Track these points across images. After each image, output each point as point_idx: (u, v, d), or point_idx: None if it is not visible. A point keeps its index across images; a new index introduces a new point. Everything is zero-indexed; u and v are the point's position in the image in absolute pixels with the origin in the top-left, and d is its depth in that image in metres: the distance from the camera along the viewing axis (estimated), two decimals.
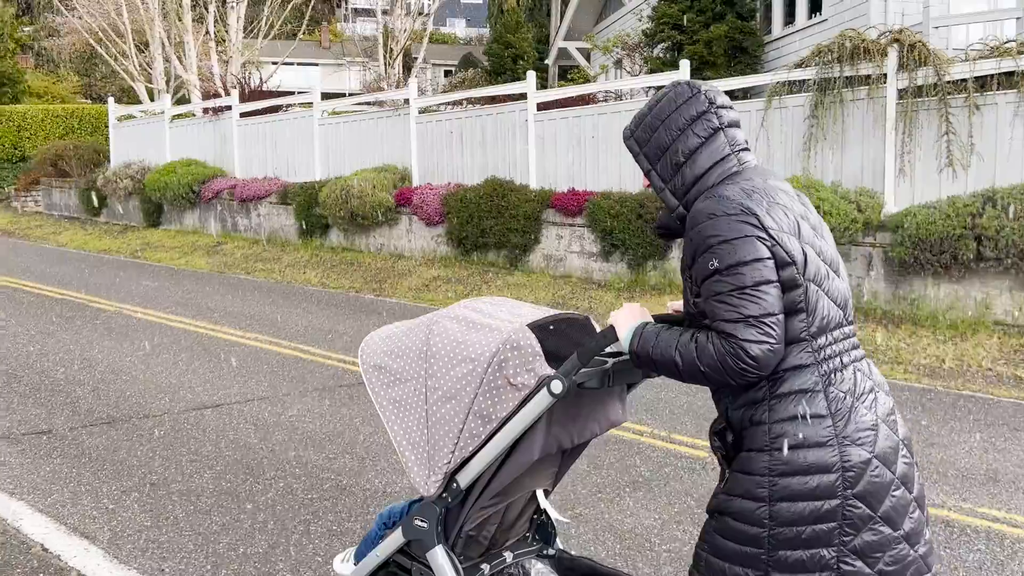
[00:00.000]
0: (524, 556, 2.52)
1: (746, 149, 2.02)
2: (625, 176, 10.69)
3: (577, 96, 11.98)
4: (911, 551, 1.92)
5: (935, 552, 2.03)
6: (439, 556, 2.27)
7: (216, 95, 18.17)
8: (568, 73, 20.69)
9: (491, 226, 11.47)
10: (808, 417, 1.86)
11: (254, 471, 4.67)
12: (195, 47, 19.09)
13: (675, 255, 9.91)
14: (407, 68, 27.17)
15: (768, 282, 1.82)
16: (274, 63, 22.62)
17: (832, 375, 1.90)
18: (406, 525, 2.36)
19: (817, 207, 8.51)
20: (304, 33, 34.17)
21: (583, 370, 2.08)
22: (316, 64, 39.17)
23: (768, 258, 1.83)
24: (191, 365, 6.98)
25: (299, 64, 36.15)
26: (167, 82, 19.90)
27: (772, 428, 1.89)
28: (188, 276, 12.44)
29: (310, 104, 14.99)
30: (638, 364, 2.00)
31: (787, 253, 1.85)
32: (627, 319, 2.01)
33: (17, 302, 9.86)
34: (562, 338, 2.28)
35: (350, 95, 19.00)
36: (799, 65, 9.53)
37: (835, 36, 9.36)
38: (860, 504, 1.86)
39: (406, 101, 13.49)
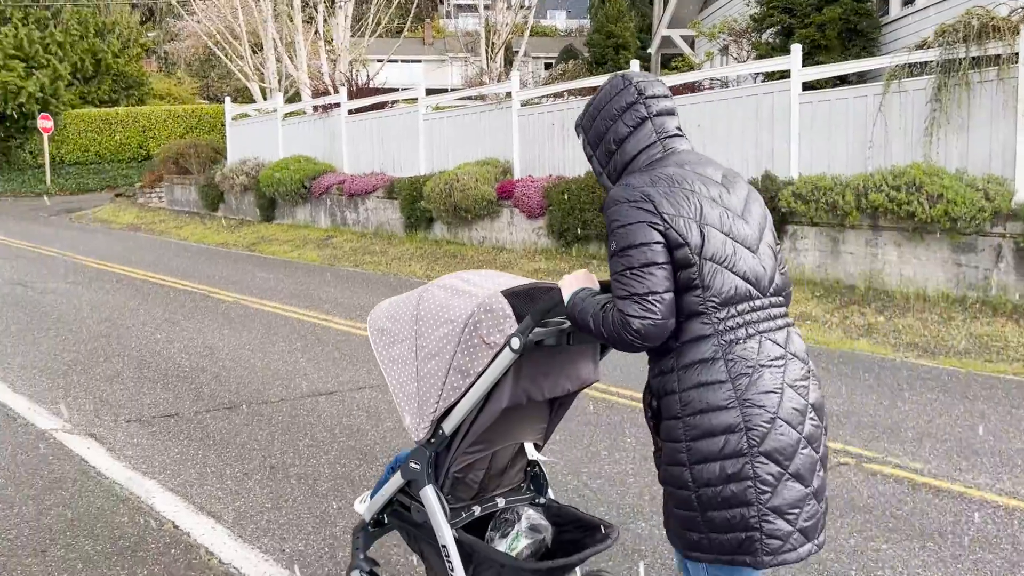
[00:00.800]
0: (517, 503, 2.81)
1: (677, 136, 2.22)
2: (735, 165, 10.43)
3: (681, 84, 11.76)
4: (819, 506, 2.11)
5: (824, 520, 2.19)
6: (429, 494, 2.58)
7: (325, 93, 18.73)
8: (671, 62, 20.33)
9: (593, 218, 11.41)
10: (709, 384, 2.06)
11: (367, 457, 4.80)
12: (305, 47, 19.72)
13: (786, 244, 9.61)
14: (508, 62, 27.29)
15: (654, 264, 2.03)
16: (380, 60, 23.13)
17: (733, 344, 2.07)
18: (404, 468, 2.70)
19: (939, 196, 8.10)
20: (408, 30, 34.78)
21: (542, 329, 2.36)
22: (419, 60, 39.85)
23: (657, 242, 2.04)
24: (305, 354, 7.23)
25: (403, 61, 36.86)
26: (279, 81, 20.63)
27: (682, 396, 2.09)
28: (300, 268, 12.89)
29: (415, 100, 15.26)
30: (573, 325, 2.26)
31: (680, 236, 2.04)
32: (571, 284, 2.25)
33: (144, 293, 10.44)
34: (534, 303, 2.48)
35: (452, 90, 19.23)
36: (920, 46, 9.07)
37: (960, 15, 8.85)
38: (768, 462, 2.03)
39: (508, 94, 13.56)
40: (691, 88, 11.80)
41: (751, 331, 2.10)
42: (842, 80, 10.75)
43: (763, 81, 11.62)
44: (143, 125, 29.51)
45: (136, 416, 5.58)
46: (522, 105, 13.32)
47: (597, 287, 2.25)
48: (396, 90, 18.37)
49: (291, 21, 19.64)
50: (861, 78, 10.70)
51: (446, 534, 2.53)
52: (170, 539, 3.83)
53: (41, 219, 20.56)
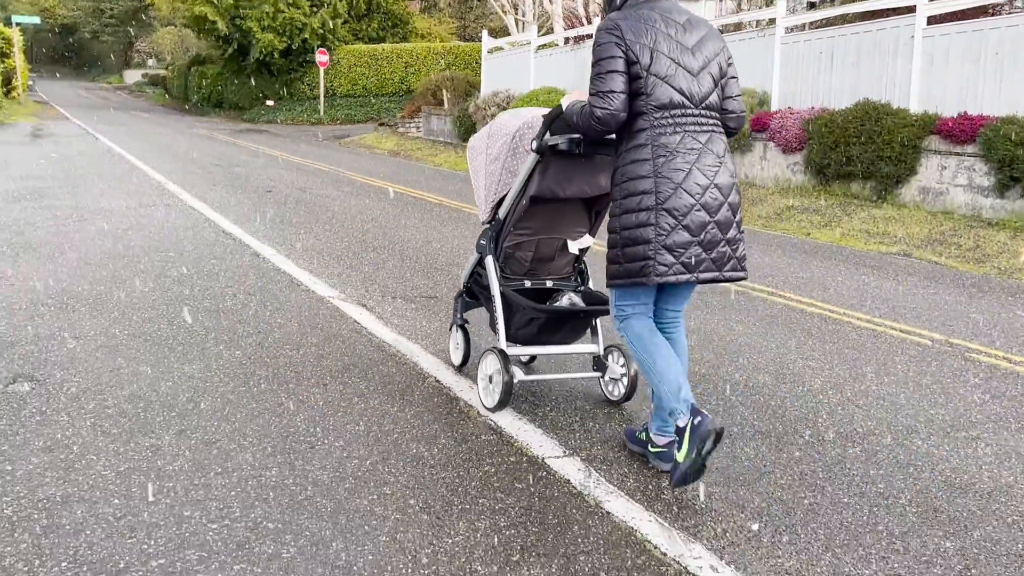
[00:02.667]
0: (562, 285, 3.88)
1: None
2: None
3: (977, 7, 10.47)
4: (704, 253, 2.93)
5: (733, 263, 3.02)
6: (489, 262, 3.72)
7: (579, 24, 18.75)
8: None
9: (858, 154, 10.58)
10: (637, 161, 2.92)
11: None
12: None
13: None
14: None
15: (615, 71, 2.87)
16: None
17: (659, 136, 2.89)
18: (477, 244, 3.81)
19: None
20: None
21: (558, 137, 3.28)
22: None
23: (619, 57, 2.87)
24: None
25: None
26: (534, 15, 20.93)
27: (621, 171, 2.99)
28: None
29: None
30: (571, 127, 3.16)
31: (635, 55, 2.87)
32: (569, 98, 3.18)
33: (404, 203, 11.16)
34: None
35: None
36: None
37: None
38: (667, 215, 2.88)
39: (771, 21, 12.80)
40: (987, 11, 10.48)
41: (677, 129, 2.91)
42: None
43: None
44: (406, 61, 31.30)
45: (401, 294, 6.00)
46: (787, 32, 12.54)
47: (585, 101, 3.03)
48: None
49: None
50: None
51: (495, 289, 3.67)
52: (432, 390, 4.09)
53: (315, 143, 22.55)
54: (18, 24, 34.39)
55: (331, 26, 30.29)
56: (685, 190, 2.87)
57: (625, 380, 3.87)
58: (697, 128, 2.92)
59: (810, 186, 11.45)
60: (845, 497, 3.19)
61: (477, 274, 3.93)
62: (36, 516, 2.79)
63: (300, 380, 4.15)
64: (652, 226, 2.88)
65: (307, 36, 29.83)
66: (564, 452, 3.46)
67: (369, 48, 31.62)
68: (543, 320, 3.62)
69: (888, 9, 11.33)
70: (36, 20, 38.28)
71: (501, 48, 20.57)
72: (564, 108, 3.18)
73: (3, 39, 30.83)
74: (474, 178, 3.81)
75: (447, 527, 2.84)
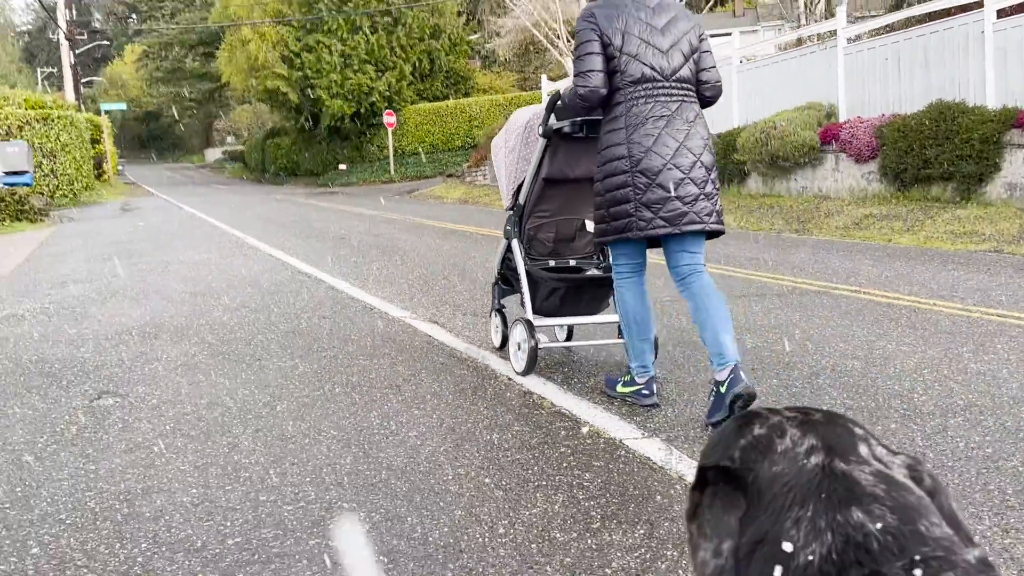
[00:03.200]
0: (584, 263, 4.27)
1: None
2: None
3: None
4: (683, 206, 3.26)
5: (715, 216, 3.36)
6: (515, 245, 4.17)
7: None
8: None
9: (936, 156, 10.21)
10: (614, 130, 3.32)
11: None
12: None
13: None
14: (830, 15, 25.46)
15: (592, 53, 3.26)
16: None
17: (632, 107, 3.28)
18: (505, 231, 4.26)
19: None
20: (717, 7, 33.93)
21: (564, 121, 3.78)
22: (729, 33, 38.72)
23: (595, 40, 3.27)
24: None
25: (712, 36, 36.01)
26: None
27: (602, 139, 3.40)
28: None
29: (727, 58, 14.79)
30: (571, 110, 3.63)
31: (609, 39, 3.26)
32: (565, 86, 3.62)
33: (473, 241, 11.25)
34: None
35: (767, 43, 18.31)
36: None
37: None
38: (641, 176, 3.25)
39: (831, 33, 12.62)
40: None
41: (649, 101, 3.28)
42: None
43: None
44: (469, 116, 31.96)
45: (471, 311, 5.99)
46: (849, 42, 12.32)
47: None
48: None
49: None
50: None
51: (520, 267, 4.13)
52: (504, 386, 4.03)
53: (387, 198, 23.06)
54: (107, 112, 36.56)
55: (397, 88, 31.22)
56: (656, 152, 3.25)
57: None
58: (668, 98, 3.30)
59: (887, 193, 11.09)
60: (949, 462, 2.98)
61: (507, 259, 4.32)
62: (117, 506, 2.82)
63: (373, 384, 4.15)
64: (630, 187, 3.29)
65: (374, 99, 30.79)
66: (643, 434, 3.35)
67: (434, 106, 32.43)
68: (563, 291, 4.04)
69: (953, 8, 11.04)
70: (123, 107, 40.67)
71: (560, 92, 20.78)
72: (561, 92, 3.64)
73: (94, 126, 32.77)
74: (497, 172, 4.33)
75: (524, 501, 2.75)
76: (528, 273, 4.10)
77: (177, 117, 61.07)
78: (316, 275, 8.00)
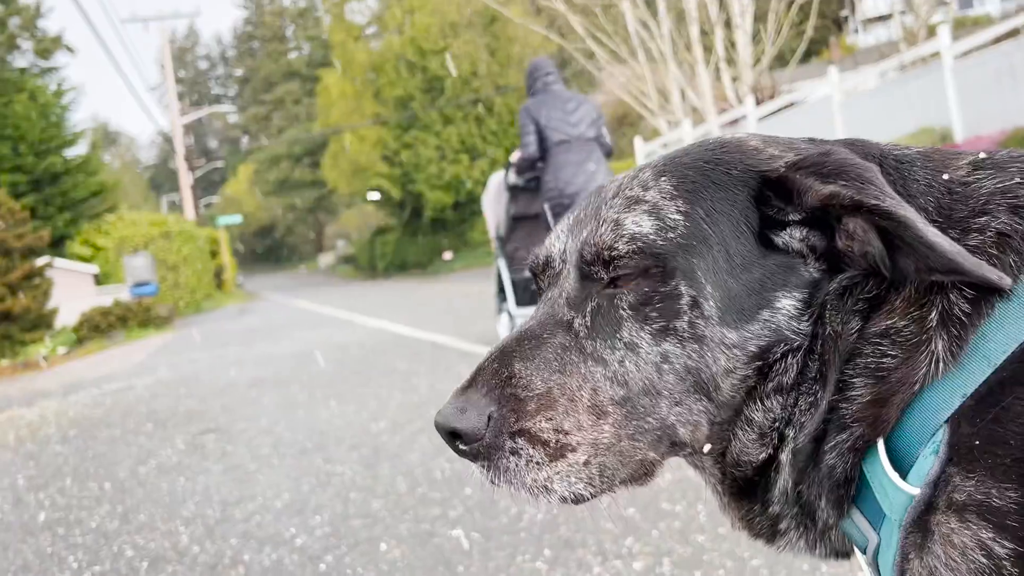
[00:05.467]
0: None
1: (552, 82, 5.25)
2: None
3: None
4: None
5: None
6: (500, 262, 5.82)
7: (729, 108, 18.68)
8: None
9: None
10: (544, 174, 5.08)
11: None
12: (706, 74, 20.03)
13: None
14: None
15: (529, 132, 5.07)
16: (786, 91, 22.48)
17: (555, 157, 4.99)
18: (494, 252, 5.99)
19: None
20: (812, 57, 33.58)
21: (516, 178, 5.57)
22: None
23: (530, 123, 5.06)
24: None
25: (808, 82, 35.44)
26: (691, 111, 21.15)
27: (542, 178, 5.13)
28: None
29: (826, 97, 14.45)
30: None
31: (537, 121, 5.05)
32: (515, 155, 5.41)
33: None
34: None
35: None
36: None
37: None
38: (566, 197, 4.89)
39: (934, 55, 12.15)
40: None
41: (566, 153, 4.95)
42: None
43: None
44: None
45: None
46: (956, 59, 11.80)
47: None
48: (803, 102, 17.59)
49: (689, 51, 20.14)
50: None
51: (505, 276, 5.72)
52: None
53: (488, 277, 23.37)
54: (224, 225, 38.84)
55: (491, 174, 31.97)
56: (572, 183, 4.94)
57: None
58: (577, 152, 5.04)
59: None
60: None
61: (499, 271, 5.93)
62: (210, 513, 2.75)
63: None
64: (559, 204, 4.95)
65: (471, 187, 31.59)
66: None
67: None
68: (533, 290, 5.17)
69: None
70: (238, 219, 43.04)
71: (653, 152, 20.79)
72: (512, 160, 5.40)
73: (212, 240, 34.87)
74: (486, 214, 6.20)
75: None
76: (512, 280, 5.76)
77: (289, 226, 64.39)
78: (416, 335, 8.03)
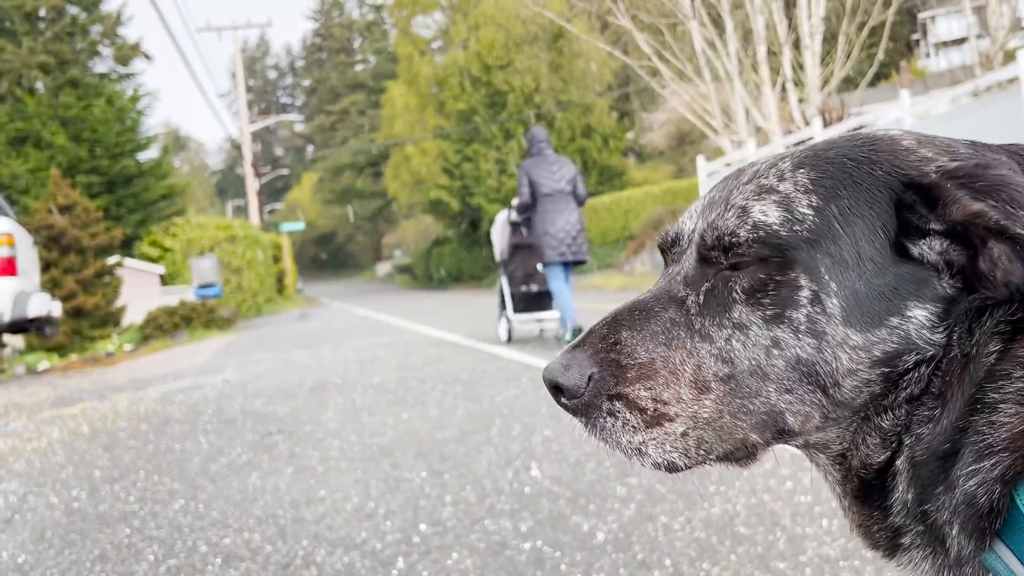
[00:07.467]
0: (542, 289, 8.07)
1: (545, 148, 7.45)
2: None
3: None
4: (567, 249, 7.18)
5: (581, 253, 7.34)
6: (503, 279, 8.13)
7: (796, 129, 18.38)
8: None
9: None
10: (536, 216, 7.29)
11: None
12: (773, 94, 19.78)
13: None
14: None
15: (524, 184, 7.30)
16: (855, 113, 22.05)
17: (543, 206, 7.22)
18: (497, 270, 8.34)
19: None
20: (880, 80, 32.92)
21: (517, 216, 8.08)
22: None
23: (525, 177, 7.29)
24: None
25: (878, 105, 34.74)
26: (751, 131, 20.90)
27: (533, 221, 7.45)
28: None
29: (897, 120, 14.12)
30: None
31: (532, 177, 7.26)
32: (515, 201, 7.93)
33: None
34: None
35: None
36: None
37: None
38: (549, 236, 7.14)
39: (1011, 80, 11.79)
40: None
41: (551, 203, 7.17)
42: None
43: None
44: (624, 209, 32.13)
45: None
46: None
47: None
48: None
49: (755, 72, 19.92)
50: None
51: (505, 290, 8.04)
52: None
53: None
54: (287, 232, 39.63)
55: None
56: (556, 224, 7.01)
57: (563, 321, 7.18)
58: (560, 202, 7.11)
59: None
60: None
61: (500, 287, 7.94)
62: (281, 513, 2.79)
63: (535, 414, 4.01)
64: (545, 240, 7.02)
65: None
66: None
67: (589, 201, 32.88)
68: (528, 300, 8.03)
69: None
70: (301, 226, 43.89)
71: (715, 172, 20.56)
72: (513, 204, 7.57)
73: (275, 246, 35.55)
74: (494, 242, 8.18)
75: (702, 503, 2.49)
76: (511, 292, 7.91)
77: (349, 235, 65.29)
78: (475, 345, 8.05)
